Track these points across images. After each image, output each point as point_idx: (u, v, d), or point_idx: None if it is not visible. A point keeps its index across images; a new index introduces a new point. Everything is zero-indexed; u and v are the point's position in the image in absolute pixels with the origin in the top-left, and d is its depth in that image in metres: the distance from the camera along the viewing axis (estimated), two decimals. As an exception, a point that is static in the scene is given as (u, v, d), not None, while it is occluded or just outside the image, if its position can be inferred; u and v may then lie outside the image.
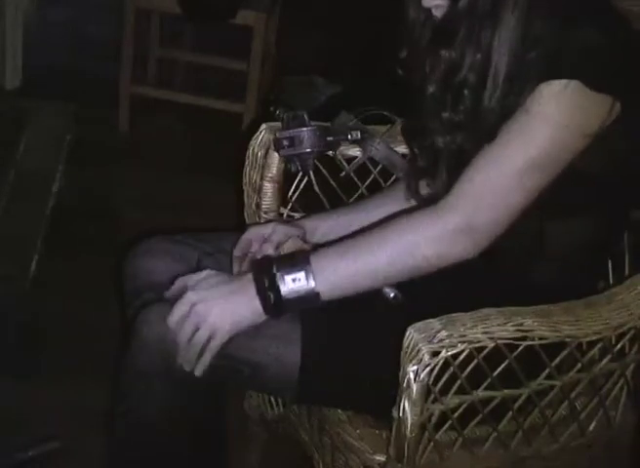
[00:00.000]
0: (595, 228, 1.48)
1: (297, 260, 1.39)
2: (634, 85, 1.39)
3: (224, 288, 1.39)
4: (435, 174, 1.48)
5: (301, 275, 1.37)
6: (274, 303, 1.37)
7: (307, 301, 1.38)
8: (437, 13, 1.42)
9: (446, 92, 1.42)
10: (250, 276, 1.39)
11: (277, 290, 1.36)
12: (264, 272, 1.38)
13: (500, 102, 1.37)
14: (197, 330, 1.37)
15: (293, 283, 1.37)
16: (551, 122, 1.35)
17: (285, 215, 1.76)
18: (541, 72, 1.34)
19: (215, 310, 1.37)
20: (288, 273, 1.37)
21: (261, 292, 1.37)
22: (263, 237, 1.58)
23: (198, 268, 1.51)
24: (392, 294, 1.46)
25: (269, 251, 1.55)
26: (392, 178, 1.74)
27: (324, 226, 1.64)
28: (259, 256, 1.54)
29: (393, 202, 1.63)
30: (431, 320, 1.33)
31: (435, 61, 1.43)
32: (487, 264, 1.40)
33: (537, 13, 1.35)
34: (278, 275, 1.37)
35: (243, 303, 1.38)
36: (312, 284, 1.37)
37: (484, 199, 1.37)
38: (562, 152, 1.36)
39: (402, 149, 1.70)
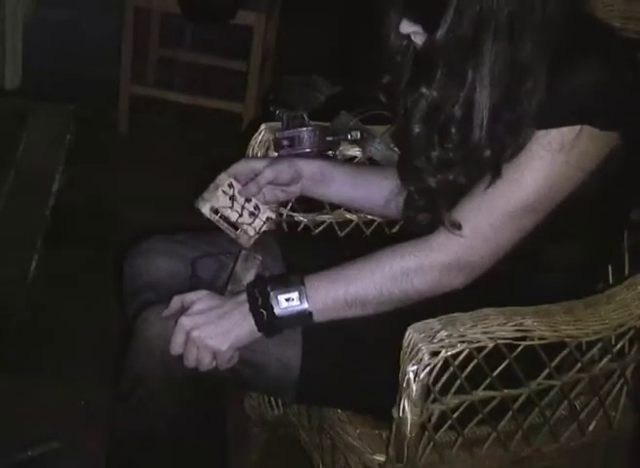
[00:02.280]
0: (593, 245, 1.48)
1: (291, 281, 1.40)
2: (633, 111, 1.37)
3: (217, 310, 1.39)
4: (435, 212, 1.42)
5: (295, 295, 1.38)
6: (268, 321, 1.38)
7: (300, 321, 1.39)
8: (417, 40, 1.37)
9: (432, 130, 1.38)
10: (244, 296, 1.40)
11: (271, 308, 1.37)
12: (258, 291, 1.39)
13: (490, 134, 1.32)
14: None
15: (286, 302, 1.38)
16: (555, 167, 1.33)
17: (285, 216, 1.76)
18: (551, 117, 1.31)
19: (211, 334, 1.37)
20: (281, 293, 1.38)
21: (255, 310, 1.38)
22: (253, 173, 1.58)
23: (193, 271, 1.51)
24: None
25: (253, 190, 1.57)
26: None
27: (333, 171, 1.61)
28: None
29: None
30: (431, 320, 1.33)
31: (417, 98, 1.37)
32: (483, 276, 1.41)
33: (522, 41, 1.28)
34: (272, 294, 1.38)
35: (237, 323, 1.38)
36: (305, 304, 1.38)
37: (475, 239, 1.37)
38: (558, 194, 1.36)
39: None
